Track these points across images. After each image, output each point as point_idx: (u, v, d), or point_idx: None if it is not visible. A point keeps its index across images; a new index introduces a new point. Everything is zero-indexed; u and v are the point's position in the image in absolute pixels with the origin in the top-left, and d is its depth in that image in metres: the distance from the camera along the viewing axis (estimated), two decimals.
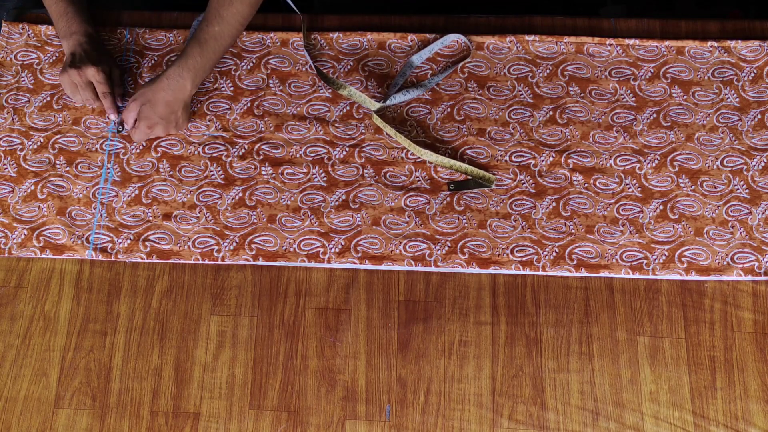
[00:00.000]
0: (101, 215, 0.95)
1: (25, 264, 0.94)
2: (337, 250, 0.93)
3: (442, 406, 0.87)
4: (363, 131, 0.99)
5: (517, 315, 0.91)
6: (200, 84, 0.97)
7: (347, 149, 0.98)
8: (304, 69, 1.03)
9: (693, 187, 0.95)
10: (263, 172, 0.97)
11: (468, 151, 0.98)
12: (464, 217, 0.94)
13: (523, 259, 0.92)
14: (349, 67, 1.03)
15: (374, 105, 0.99)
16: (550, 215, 0.94)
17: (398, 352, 0.89)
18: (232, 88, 1.02)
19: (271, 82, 1.02)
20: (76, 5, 1.00)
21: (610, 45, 1.03)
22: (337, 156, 0.98)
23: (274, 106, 1.01)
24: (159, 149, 0.99)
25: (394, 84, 1.01)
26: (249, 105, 1.01)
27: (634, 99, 1.00)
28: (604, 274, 0.91)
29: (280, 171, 0.97)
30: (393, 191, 0.96)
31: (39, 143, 0.99)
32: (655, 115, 0.99)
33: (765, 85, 1.00)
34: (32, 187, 0.97)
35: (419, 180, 0.96)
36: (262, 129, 0.99)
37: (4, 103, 1.02)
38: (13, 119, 1.01)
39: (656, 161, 0.96)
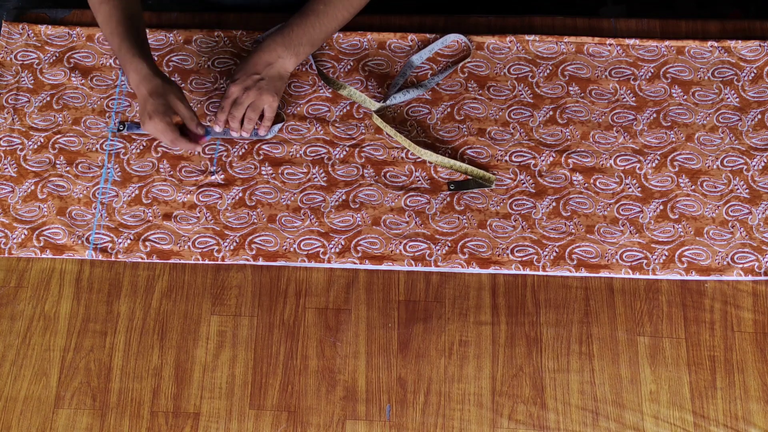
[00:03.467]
0: (101, 215, 0.95)
1: (25, 264, 0.94)
2: (337, 250, 0.93)
3: (442, 406, 0.87)
4: (363, 131, 0.99)
5: (517, 315, 0.91)
6: (298, 59, 0.96)
7: (347, 149, 0.98)
8: (304, 69, 1.03)
9: (693, 187, 0.95)
10: (263, 172, 0.97)
11: (468, 151, 0.98)
12: (464, 217, 0.94)
13: (523, 259, 0.92)
14: (349, 67, 1.03)
15: (374, 105, 0.99)
16: (550, 215, 0.94)
17: (398, 352, 0.89)
18: None
19: None
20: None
21: (610, 45, 1.03)
22: (337, 156, 0.98)
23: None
24: (159, 149, 0.99)
25: (394, 84, 1.01)
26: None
27: (634, 99, 1.00)
28: (604, 274, 0.91)
29: (280, 171, 0.97)
30: (393, 191, 0.96)
31: (39, 143, 0.99)
32: (655, 115, 0.99)
33: (765, 85, 1.00)
34: (32, 187, 0.97)
35: (419, 180, 0.96)
36: None
37: (4, 103, 1.02)
38: (13, 119, 1.01)
39: (656, 161, 0.96)
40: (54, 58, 1.04)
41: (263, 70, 0.94)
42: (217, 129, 0.96)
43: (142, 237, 0.94)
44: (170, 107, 0.90)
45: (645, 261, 0.91)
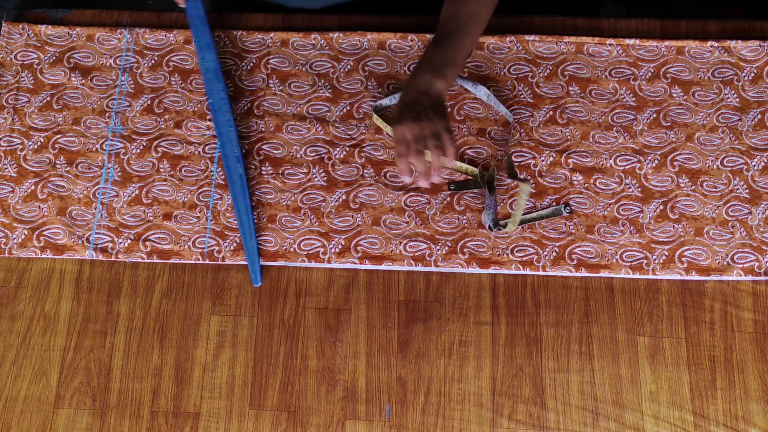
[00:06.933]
0: (101, 215, 0.95)
1: (25, 264, 0.94)
2: (337, 250, 0.93)
3: (442, 406, 0.87)
4: (363, 131, 0.99)
5: (517, 315, 0.91)
6: (448, 82, 0.89)
7: (347, 149, 0.98)
8: (304, 69, 1.03)
9: (693, 187, 0.95)
10: (263, 172, 0.97)
11: (468, 151, 0.98)
12: (464, 217, 0.94)
13: (523, 259, 0.92)
14: (349, 67, 1.03)
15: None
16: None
17: (398, 352, 0.89)
18: (232, 89, 1.02)
19: (271, 82, 1.02)
20: None
21: (610, 45, 1.03)
22: (338, 156, 0.98)
23: (274, 106, 1.01)
24: (159, 149, 0.99)
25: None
26: (249, 105, 1.01)
27: (634, 99, 1.00)
28: (604, 274, 0.91)
29: (280, 171, 0.97)
30: (393, 191, 0.96)
31: (39, 143, 0.99)
32: (655, 115, 0.99)
33: (765, 85, 1.00)
34: (32, 187, 0.97)
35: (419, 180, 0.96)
36: (262, 129, 0.99)
37: (4, 103, 1.02)
38: (13, 119, 1.01)
39: (656, 161, 0.96)
40: (54, 58, 1.04)
41: (421, 98, 0.86)
42: (407, 180, 0.87)
43: (142, 237, 0.94)
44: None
45: (645, 261, 0.91)
